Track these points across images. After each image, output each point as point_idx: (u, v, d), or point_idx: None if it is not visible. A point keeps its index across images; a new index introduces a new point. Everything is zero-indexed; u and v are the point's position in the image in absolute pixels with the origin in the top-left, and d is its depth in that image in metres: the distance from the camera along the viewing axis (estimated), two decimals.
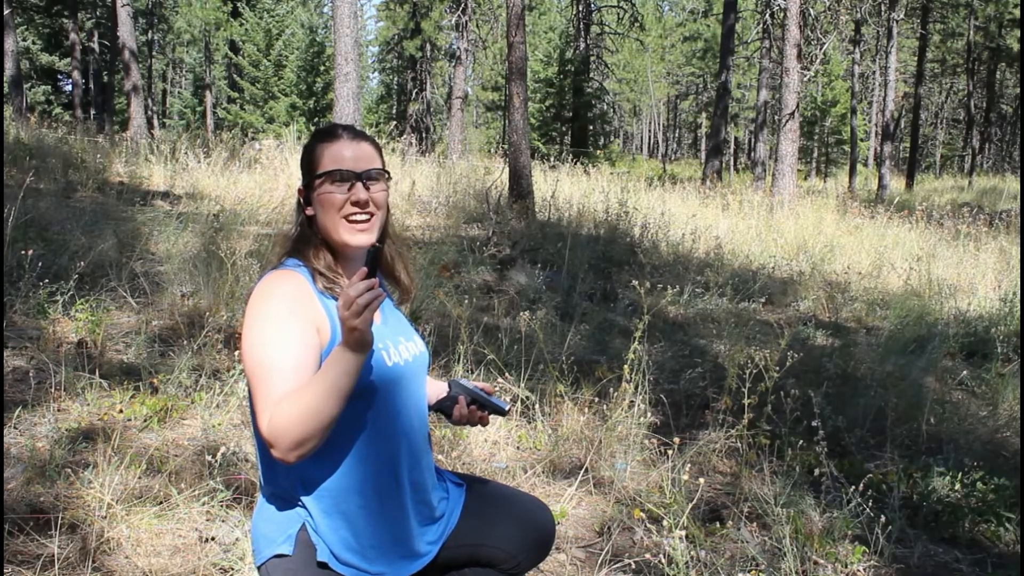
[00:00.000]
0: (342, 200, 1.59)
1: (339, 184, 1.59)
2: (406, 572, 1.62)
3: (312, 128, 22.43)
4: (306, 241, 1.63)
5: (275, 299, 1.52)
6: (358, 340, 1.42)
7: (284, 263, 1.62)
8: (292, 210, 1.77)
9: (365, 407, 1.54)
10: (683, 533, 2.46)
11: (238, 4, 31.48)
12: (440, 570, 1.74)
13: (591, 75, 29.85)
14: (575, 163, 17.14)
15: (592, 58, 29.71)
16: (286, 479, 1.53)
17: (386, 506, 1.58)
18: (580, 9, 26.86)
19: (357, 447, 1.53)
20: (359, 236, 1.60)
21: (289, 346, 1.47)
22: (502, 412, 1.81)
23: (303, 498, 1.53)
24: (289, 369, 1.46)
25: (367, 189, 1.60)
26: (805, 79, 18.03)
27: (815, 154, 41.10)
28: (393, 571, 1.59)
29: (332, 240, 1.62)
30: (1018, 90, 35.58)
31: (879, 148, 26.19)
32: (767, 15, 19.69)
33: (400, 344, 1.65)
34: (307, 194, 1.64)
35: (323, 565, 1.52)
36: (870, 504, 2.82)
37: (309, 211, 1.64)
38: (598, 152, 28.68)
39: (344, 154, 1.62)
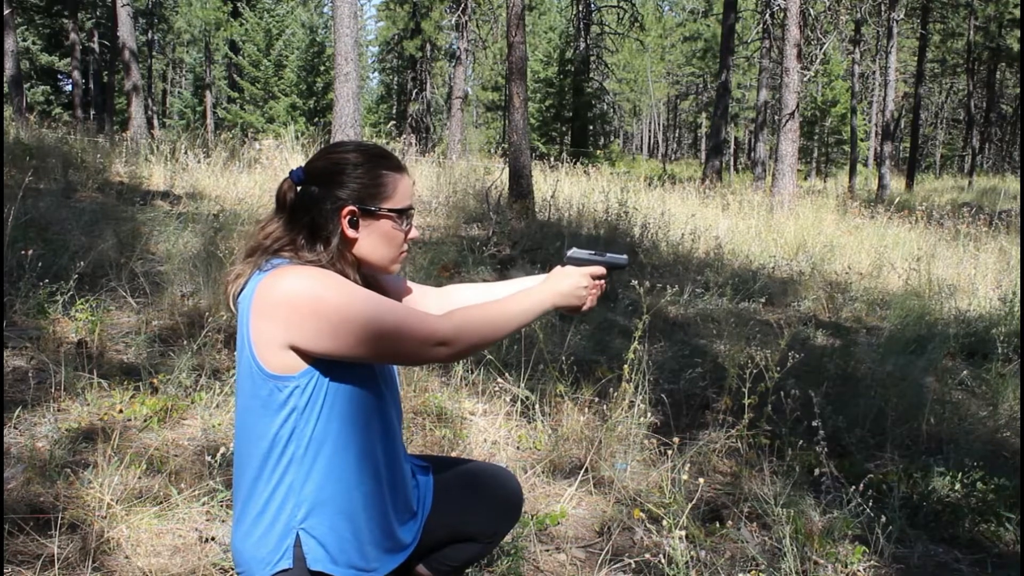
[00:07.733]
0: (403, 237, 1.63)
1: (405, 222, 1.61)
2: (395, 564, 1.65)
3: (311, 128, 22.37)
4: (344, 262, 1.56)
5: (323, 275, 1.47)
6: (572, 308, 1.67)
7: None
8: (308, 223, 1.54)
9: (354, 412, 1.54)
10: (683, 533, 2.46)
11: (238, 4, 31.50)
12: (423, 553, 1.78)
13: (591, 75, 29.87)
14: (575, 163, 17.17)
15: (592, 58, 29.73)
16: (275, 493, 1.52)
17: (373, 503, 1.58)
18: (580, 9, 26.88)
19: (344, 453, 1.53)
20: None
21: (380, 298, 1.51)
22: (622, 266, 1.72)
23: (294, 509, 1.52)
24: (403, 306, 1.53)
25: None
26: (805, 79, 18.03)
27: (815, 154, 41.12)
28: (383, 565, 1.62)
29: (375, 266, 1.62)
30: (1018, 90, 35.58)
31: (879, 148, 26.20)
32: (767, 15, 19.69)
33: None
34: (358, 219, 1.56)
35: (317, 573, 1.53)
36: (870, 504, 2.82)
37: (353, 234, 1.56)
38: (598, 152, 28.75)
39: (411, 190, 1.63)
